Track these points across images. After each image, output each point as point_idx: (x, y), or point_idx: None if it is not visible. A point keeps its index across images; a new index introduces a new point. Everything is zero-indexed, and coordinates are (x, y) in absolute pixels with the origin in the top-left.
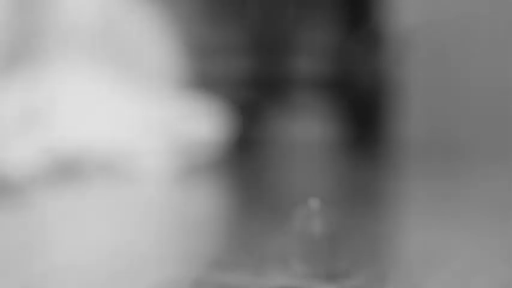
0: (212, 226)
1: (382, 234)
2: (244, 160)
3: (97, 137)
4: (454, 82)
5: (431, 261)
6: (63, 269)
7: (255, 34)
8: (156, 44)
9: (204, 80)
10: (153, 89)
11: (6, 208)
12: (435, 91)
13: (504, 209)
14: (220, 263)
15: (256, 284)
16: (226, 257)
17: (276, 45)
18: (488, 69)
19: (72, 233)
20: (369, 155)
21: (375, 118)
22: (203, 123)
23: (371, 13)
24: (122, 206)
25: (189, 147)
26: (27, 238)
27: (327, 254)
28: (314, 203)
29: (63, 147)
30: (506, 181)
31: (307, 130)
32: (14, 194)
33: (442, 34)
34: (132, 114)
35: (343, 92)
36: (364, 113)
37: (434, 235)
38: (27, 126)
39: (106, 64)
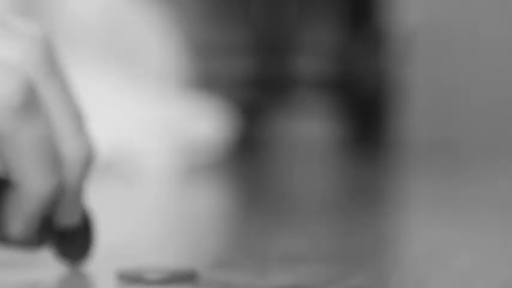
0: (213, 225)
1: (384, 233)
2: (247, 160)
3: (99, 136)
4: (456, 82)
5: (434, 260)
6: (66, 269)
7: (258, 34)
8: (159, 44)
9: (206, 80)
10: (155, 88)
11: None
12: (438, 91)
13: (507, 208)
14: (221, 262)
15: (257, 284)
16: (227, 257)
17: (279, 45)
18: (490, 69)
19: None
20: (371, 155)
21: (377, 118)
22: (206, 122)
23: (374, 13)
24: (123, 206)
25: (191, 147)
26: None
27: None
28: None
29: None
30: (508, 180)
31: (309, 130)
32: None
33: (445, 34)
34: (134, 113)
35: (345, 92)
36: (366, 113)
37: (436, 234)
38: None
39: (110, 63)
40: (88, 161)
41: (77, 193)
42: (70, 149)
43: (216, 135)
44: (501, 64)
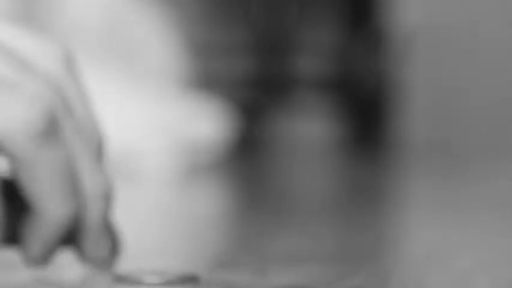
0: (213, 226)
1: (384, 233)
2: (247, 160)
3: None
4: (456, 82)
5: (434, 260)
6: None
7: (258, 34)
8: (159, 44)
9: (206, 80)
10: (155, 88)
11: None
12: (438, 91)
13: (507, 208)
14: (221, 262)
15: (257, 284)
16: (227, 257)
17: (279, 45)
18: (490, 69)
19: None
20: (371, 155)
21: (377, 118)
22: (206, 122)
23: (374, 13)
24: (123, 206)
25: (191, 147)
26: None
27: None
28: None
29: None
30: (508, 180)
31: (309, 130)
32: None
33: (445, 34)
34: (134, 113)
35: (345, 92)
36: (366, 113)
37: (436, 234)
38: None
39: (110, 64)
40: (108, 196)
41: (100, 227)
42: (89, 185)
43: (216, 135)
44: (501, 64)
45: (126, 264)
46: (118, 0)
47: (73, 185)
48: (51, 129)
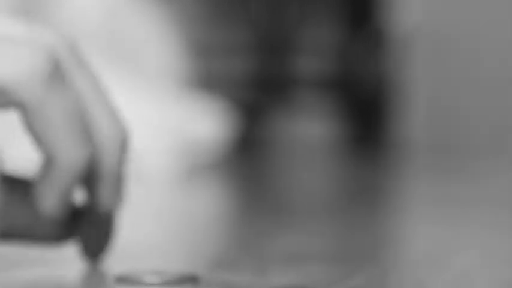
0: (213, 226)
1: (384, 233)
2: (247, 160)
3: None
4: (456, 82)
5: (435, 260)
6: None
7: (258, 34)
8: (160, 44)
9: (207, 80)
10: (156, 89)
11: None
12: (438, 91)
13: (507, 208)
14: (221, 262)
15: (257, 284)
16: (227, 257)
17: (279, 45)
18: (490, 69)
19: None
20: (371, 155)
21: (377, 118)
22: (206, 122)
23: (374, 13)
24: (124, 206)
25: (192, 147)
26: None
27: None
28: None
29: None
30: (508, 180)
31: (309, 130)
32: None
33: (445, 34)
34: (135, 114)
35: (345, 92)
36: (366, 113)
37: (436, 234)
38: None
39: (111, 64)
40: (124, 142)
41: (116, 176)
42: (106, 129)
43: (217, 136)
44: (501, 64)
45: (126, 264)
46: (119, 1)
47: (86, 130)
48: (57, 73)
